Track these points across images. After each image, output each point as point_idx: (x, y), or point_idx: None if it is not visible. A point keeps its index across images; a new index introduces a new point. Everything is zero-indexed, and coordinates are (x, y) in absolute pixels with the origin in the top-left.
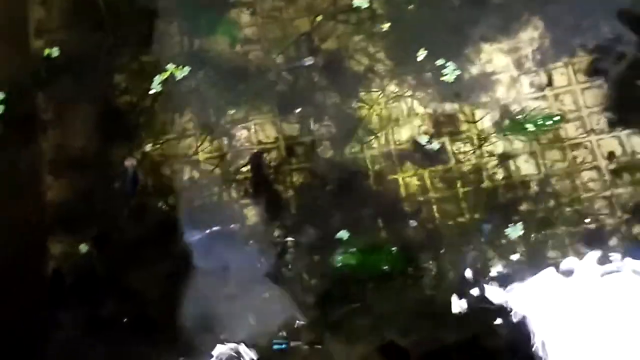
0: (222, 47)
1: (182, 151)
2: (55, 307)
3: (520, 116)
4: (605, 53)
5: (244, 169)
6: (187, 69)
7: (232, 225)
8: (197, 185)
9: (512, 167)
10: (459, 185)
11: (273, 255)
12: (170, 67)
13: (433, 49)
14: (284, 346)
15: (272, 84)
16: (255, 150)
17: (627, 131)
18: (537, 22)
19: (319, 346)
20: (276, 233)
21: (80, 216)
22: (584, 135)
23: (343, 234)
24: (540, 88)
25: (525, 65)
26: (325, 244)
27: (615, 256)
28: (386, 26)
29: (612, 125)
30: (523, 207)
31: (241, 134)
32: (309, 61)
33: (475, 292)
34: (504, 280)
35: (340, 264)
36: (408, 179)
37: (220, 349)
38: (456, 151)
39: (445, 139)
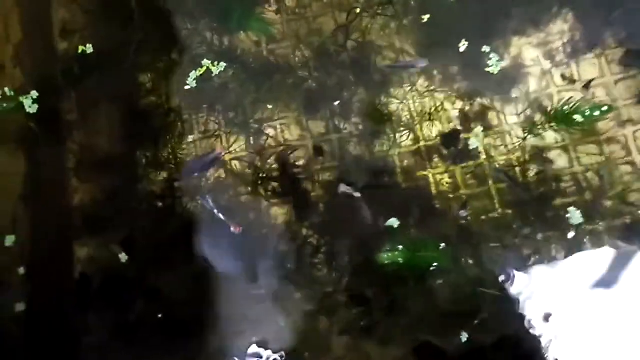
0: (250, 45)
1: (207, 151)
2: (83, 311)
3: (566, 108)
4: (637, 43)
5: (271, 168)
6: (223, 65)
7: (263, 230)
8: (224, 185)
9: (546, 162)
10: (490, 181)
11: (302, 255)
12: (207, 62)
13: (474, 40)
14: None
15: (299, 82)
16: (282, 149)
17: None
18: (567, 15)
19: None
20: (305, 232)
21: (106, 219)
22: (619, 127)
23: (393, 222)
24: (572, 81)
25: (556, 57)
26: (358, 242)
27: None
28: (426, 17)
29: None
30: (557, 201)
31: (268, 132)
32: (421, 63)
33: (510, 290)
34: (541, 278)
35: (388, 261)
36: (439, 176)
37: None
38: (488, 146)
39: (476, 134)
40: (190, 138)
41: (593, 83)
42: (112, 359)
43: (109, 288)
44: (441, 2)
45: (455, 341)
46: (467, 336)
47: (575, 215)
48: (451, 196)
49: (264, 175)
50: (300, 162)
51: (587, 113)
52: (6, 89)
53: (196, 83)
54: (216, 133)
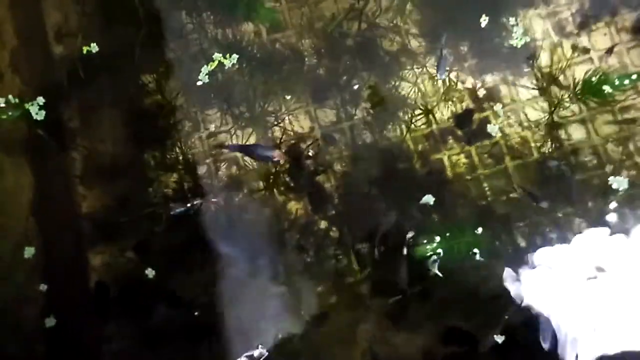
0: (253, 36)
1: (217, 149)
2: (103, 320)
3: (594, 79)
4: None
5: (283, 161)
6: (235, 57)
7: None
8: (236, 183)
9: (563, 136)
10: (507, 159)
11: (322, 248)
12: (217, 56)
13: (493, 14)
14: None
15: (305, 71)
16: (293, 141)
17: None
18: None
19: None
20: (323, 225)
21: (118, 225)
22: (635, 96)
23: (428, 199)
24: (585, 51)
25: (566, 28)
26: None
27: None
28: None
29: None
30: (577, 177)
31: (278, 124)
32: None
33: (534, 271)
34: (564, 255)
35: (427, 253)
36: (454, 157)
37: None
38: (502, 124)
39: (489, 113)
40: (198, 136)
41: (604, 52)
42: None
43: (126, 295)
44: None
45: (483, 324)
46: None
47: (620, 182)
48: (468, 177)
49: (277, 169)
50: (312, 153)
51: (617, 82)
52: (10, 97)
53: (208, 78)
54: (225, 129)
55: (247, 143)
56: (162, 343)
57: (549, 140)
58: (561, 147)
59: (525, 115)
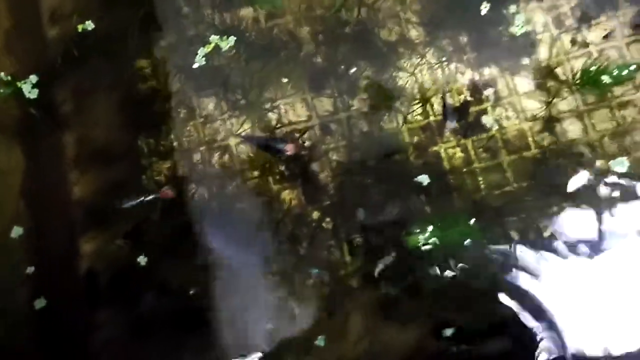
0: (251, 21)
1: (211, 136)
2: (92, 307)
3: (592, 69)
4: None
5: (278, 151)
6: (232, 39)
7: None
8: (229, 171)
9: (559, 131)
10: (503, 153)
11: (315, 239)
12: (214, 38)
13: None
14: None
15: (303, 59)
16: (289, 131)
17: None
18: None
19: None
20: (316, 215)
21: (111, 211)
22: (633, 91)
23: (423, 179)
24: (584, 45)
25: (565, 22)
26: (372, 223)
27: None
28: None
29: None
30: (571, 170)
31: (273, 113)
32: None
33: (527, 264)
34: (557, 251)
35: (421, 243)
36: (451, 150)
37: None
38: (498, 117)
39: (487, 105)
40: (193, 122)
41: (604, 46)
42: (123, 353)
43: (117, 282)
44: None
45: (474, 317)
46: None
47: (622, 162)
48: (464, 170)
49: (272, 158)
50: (308, 143)
51: (615, 73)
52: (2, 74)
53: (205, 60)
54: (221, 116)
55: (259, 135)
56: (152, 331)
57: (546, 134)
58: (558, 141)
59: (523, 108)
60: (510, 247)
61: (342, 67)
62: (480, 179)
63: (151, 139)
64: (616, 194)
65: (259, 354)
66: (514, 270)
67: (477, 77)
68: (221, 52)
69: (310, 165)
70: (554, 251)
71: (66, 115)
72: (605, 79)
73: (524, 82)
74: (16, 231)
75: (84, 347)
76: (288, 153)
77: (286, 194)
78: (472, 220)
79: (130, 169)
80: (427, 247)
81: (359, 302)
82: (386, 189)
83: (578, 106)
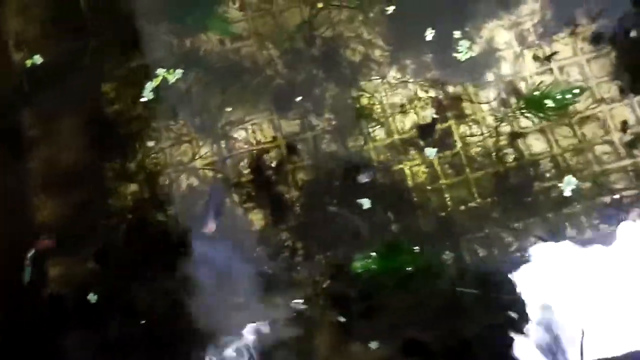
0: (213, 45)
1: (178, 159)
2: (57, 332)
3: (537, 93)
4: (610, 19)
5: (245, 172)
6: (179, 72)
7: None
8: (196, 193)
9: (522, 147)
10: (468, 170)
11: (281, 260)
12: (161, 72)
13: (440, 28)
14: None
15: (268, 81)
16: (254, 151)
17: (638, 98)
18: None
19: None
20: (283, 236)
21: (77, 235)
22: (595, 105)
23: (364, 202)
24: (546, 61)
25: (528, 39)
26: (337, 243)
27: (634, 228)
28: (391, 9)
29: (623, 92)
30: (536, 186)
31: (239, 135)
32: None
33: (492, 279)
34: (523, 264)
35: (361, 270)
36: (415, 168)
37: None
38: (463, 135)
39: (451, 123)
40: (159, 146)
41: (566, 62)
42: None
43: (83, 306)
44: None
45: (440, 334)
46: (451, 327)
47: (570, 181)
48: (429, 187)
49: (238, 180)
50: (274, 164)
51: (559, 97)
52: None
53: (153, 94)
54: (185, 139)
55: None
56: (120, 355)
57: (510, 150)
58: (521, 157)
59: (487, 124)
60: (476, 264)
61: (306, 87)
62: (445, 195)
63: (117, 162)
64: (578, 208)
65: None
66: (476, 287)
67: (441, 95)
68: (179, 81)
69: (276, 185)
70: (519, 263)
71: (31, 141)
72: (549, 103)
73: (487, 99)
74: None
75: None
76: (205, 229)
77: (253, 215)
78: (416, 248)
79: (95, 192)
80: (367, 273)
81: (325, 322)
82: (349, 208)
83: (541, 122)
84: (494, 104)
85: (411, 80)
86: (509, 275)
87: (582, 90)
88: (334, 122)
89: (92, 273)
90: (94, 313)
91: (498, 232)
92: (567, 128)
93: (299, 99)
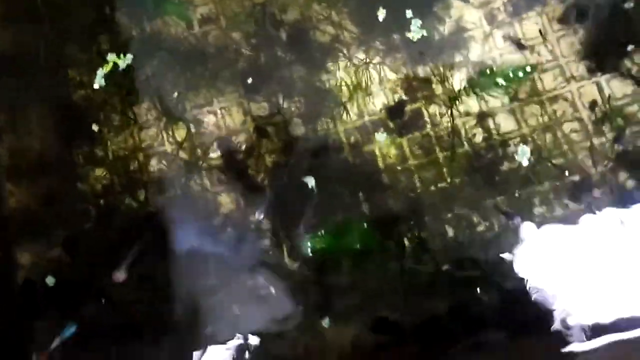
0: (177, 29)
1: (146, 143)
2: (30, 319)
3: (489, 71)
4: None
5: (214, 156)
6: (129, 57)
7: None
8: (166, 178)
9: (491, 127)
10: (437, 150)
11: (252, 242)
12: (112, 57)
13: (393, 7)
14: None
15: (234, 63)
16: (223, 135)
17: (606, 76)
18: None
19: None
20: (253, 218)
21: (46, 222)
22: (564, 85)
23: (309, 180)
24: (515, 41)
25: (497, 18)
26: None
27: (602, 206)
28: None
29: (591, 71)
30: (505, 166)
31: (207, 119)
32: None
33: (462, 257)
34: (489, 244)
35: (310, 248)
36: (385, 149)
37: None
38: (432, 115)
39: (421, 104)
40: (127, 131)
41: (535, 42)
42: None
43: (56, 293)
44: None
45: (410, 312)
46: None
47: (524, 151)
48: (399, 168)
49: (207, 164)
50: (244, 147)
51: (511, 75)
52: None
53: (105, 81)
54: (153, 123)
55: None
56: (92, 344)
57: (479, 130)
58: (490, 137)
59: (456, 106)
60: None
61: (274, 69)
62: (415, 176)
63: (85, 147)
64: (547, 186)
65: None
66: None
67: (411, 75)
68: (123, 68)
69: (247, 168)
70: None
71: None
72: (501, 81)
73: (457, 79)
74: None
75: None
76: (114, 278)
77: (224, 198)
78: (364, 225)
79: (64, 179)
80: (316, 252)
81: (297, 303)
82: (320, 190)
83: (510, 102)
84: (464, 83)
85: (379, 61)
86: (479, 254)
87: (534, 67)
88: (303, 105)
89: (63, 259)
90: (66, 300)
91: (467, 212)
92: (537, 106)
93: (266, 82)
